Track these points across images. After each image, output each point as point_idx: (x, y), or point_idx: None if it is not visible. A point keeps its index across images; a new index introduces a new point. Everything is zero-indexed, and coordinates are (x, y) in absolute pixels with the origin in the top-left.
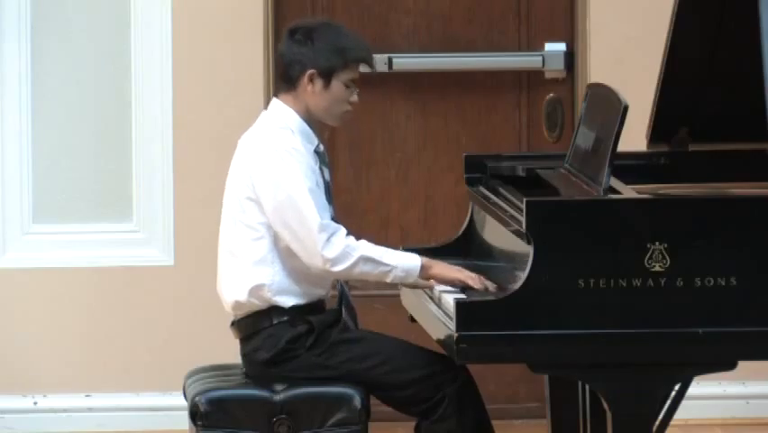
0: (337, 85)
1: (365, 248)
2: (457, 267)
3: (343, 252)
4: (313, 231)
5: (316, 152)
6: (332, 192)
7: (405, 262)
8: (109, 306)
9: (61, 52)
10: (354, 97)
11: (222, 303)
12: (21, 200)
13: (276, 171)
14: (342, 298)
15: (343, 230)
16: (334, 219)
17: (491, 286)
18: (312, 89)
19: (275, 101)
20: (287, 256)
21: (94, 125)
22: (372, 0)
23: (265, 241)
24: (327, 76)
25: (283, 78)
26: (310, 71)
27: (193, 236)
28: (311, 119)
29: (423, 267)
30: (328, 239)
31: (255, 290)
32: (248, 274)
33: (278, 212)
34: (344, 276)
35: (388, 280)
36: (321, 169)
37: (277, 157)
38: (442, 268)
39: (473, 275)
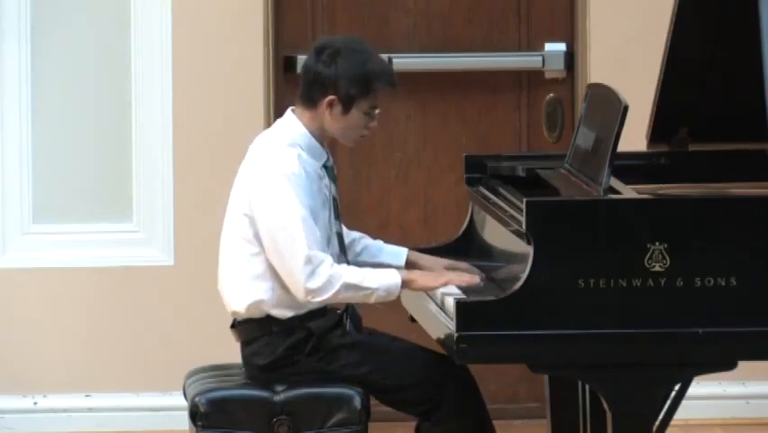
0: (356, 112)
1: (347, 275)
2: (438, 273)
3: (327, 281)
4: (299, 263)
5: (325, 166)
6: (339, 207)
7: (385, 281)
8: (109, 306)
9: (61, 52)
10: (373, 123)
11: (222, 303)
12: (21, 200)
13: (271, 196)
14: (348, 307)
15: (329, 260)
16: (339, 235)
17: (479, 277)
18: (330, 114)
19: (289, 113)
20: None
21: (94, 125)
22: (372, 0)
23: (262, 257)
24: (347, 104)
25: (303, 95)
26: (330, 97)
27: (193, 236)
28: (323, 136)
29: (404, 282)
30: (313, 271)
31: (254, 306)
32: (247, 289)
33: (270, 237)
34: (327, 304)
35: (371, 301)
36: (329, 184)
37: (275, 181)
38: (425, 280)
39: (453, 277)
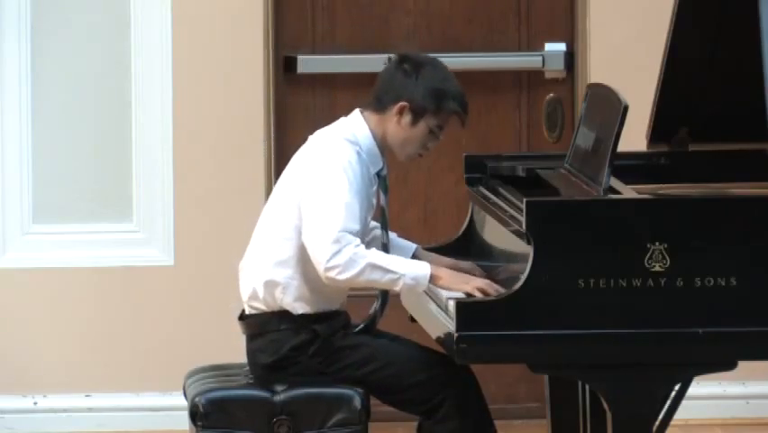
0: (423, 126)
1: (373, 256)
2: (467, 276)
3: (350, 259)
4: (328, 240)
5: (378, 174)
6: (387, 217)
7: (414, 270)
8: (109, 306)
9: (61, 52)
10: (432, 144)
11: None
12: (21, 200)
13: (322, 181)
14: (372, 315)
15: (356, 241)
16: (385, 246)
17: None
18: (398, 120)
19: (357, 113)
20: (310, 263)
21: (94, 125)
22: (372, 0)
23: (292, 243)
24: (418, 114)
25: (375, 98)
26: (403, 103)
27: (193, 236)
28: (384, 144)
29: (432, 276)
30: (339, 250)
31: (270, 286)
32: (268, 270)
33: (308, 212)
34: (352, 284)
35: (397, 288)
36: (378, 192)
37: (329, 169)
38: (451, 279)
39: (483, 285)
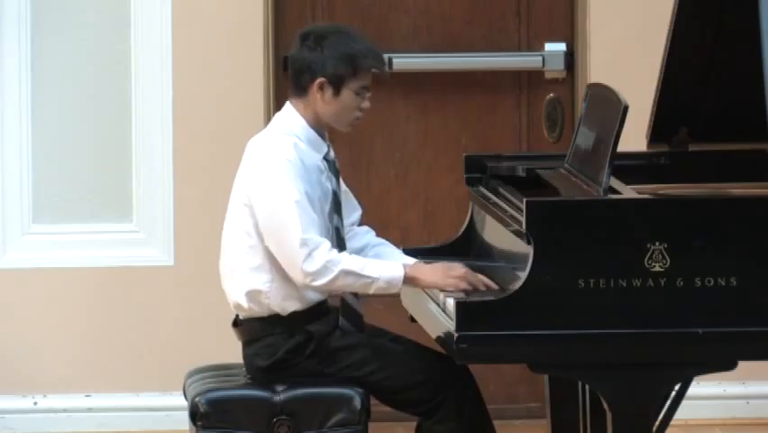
0: (347, 93)
1: (347, 261)
2: (442, 272)
3: (324, 266)
4: (294, 246)
5: (326, 159)
6: (340, 202)
7: (387, 273)
8: (109, 306)
9: (61, 52)
10: (366, 104)
11: (224, 301)
12: (21, 200)
13: (266, 182)
14: (343, 305)
15: (326, 244)
16: (338, 230)
17: (480, 284)
18: (321, 97)
19: (287, 105)
20: None
21: (94, 125)
22: (372, 0)
23: (260, 248)
24: (337, 84)
25: (294, 84)
26: (319, 80)
27: (193, 236)
28: (321, 125)
29: (406, 278)
30: (309, 254)
31: (253, 295)
32: (245, 280)
33: (265, 223)
34: (326, 289)
35: (371, 291)
36: (329, 177)
37: (269, 166)
38: (427, 279)
39: (457, 280)
